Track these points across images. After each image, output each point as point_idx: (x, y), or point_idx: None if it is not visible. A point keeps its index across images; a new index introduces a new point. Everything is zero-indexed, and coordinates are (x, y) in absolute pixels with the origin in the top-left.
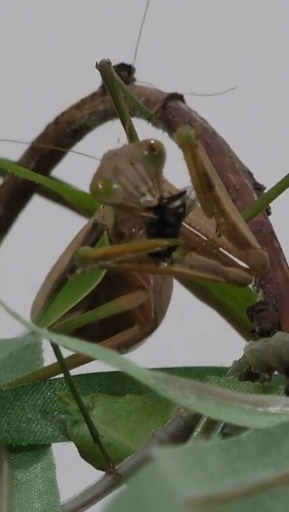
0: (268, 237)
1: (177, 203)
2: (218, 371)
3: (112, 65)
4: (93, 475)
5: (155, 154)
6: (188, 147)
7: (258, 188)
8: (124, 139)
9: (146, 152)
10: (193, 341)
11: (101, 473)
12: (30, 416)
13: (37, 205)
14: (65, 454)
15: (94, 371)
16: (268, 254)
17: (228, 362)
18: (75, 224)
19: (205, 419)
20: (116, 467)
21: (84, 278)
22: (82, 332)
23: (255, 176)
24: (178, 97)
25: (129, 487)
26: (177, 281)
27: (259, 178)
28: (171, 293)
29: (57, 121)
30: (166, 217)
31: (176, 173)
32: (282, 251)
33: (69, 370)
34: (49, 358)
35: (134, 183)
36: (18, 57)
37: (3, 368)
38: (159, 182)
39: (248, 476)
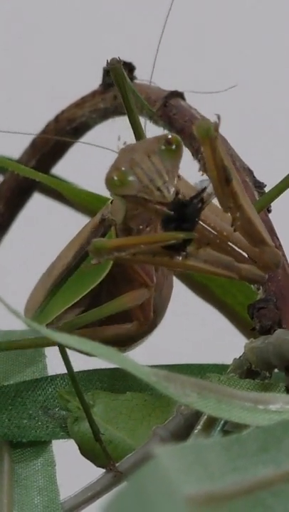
0: None
1: (195, 196)
2: (219, 369)
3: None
4: (94, 472)
5: (172, 149)
6: (207, 140)
7: (259, 185)
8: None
9: (163, 146)
10: (194, 339)
11: (101, 471)
12: (31, 412)
13: (37, 203)
14: (65, 452)
15: (95, 368)
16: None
17: (228, 360)
18: (76, 222)
19: (205, 416)
20: (116, 464)
21: (87, 274)
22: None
23: (255, 174)
24: (178, 95)
25: (129, 485)
26: (178, 280)
27: (259, 176)
28: (171, 292)
29: (57, 119)
30: (184, 211)
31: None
32: (282, 248)
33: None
34: (51, 355)
35: (150, 175)
36: (18, 56)
37: (6, 361)
38: (174, 176)
39: (248, 473)
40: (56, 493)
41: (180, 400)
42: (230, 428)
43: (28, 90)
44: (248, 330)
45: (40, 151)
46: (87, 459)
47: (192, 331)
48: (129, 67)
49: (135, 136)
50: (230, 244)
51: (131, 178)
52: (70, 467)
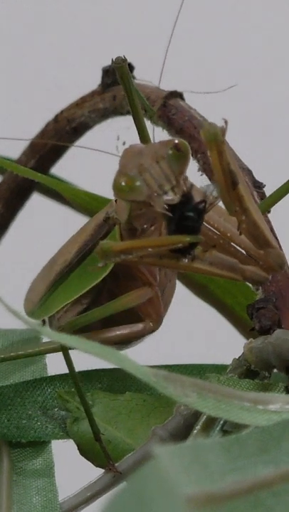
0: None
1: (198, 199)
2: (218, 369)
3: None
4: (93, 473)
5: (180, 154)
6: (214, 144)
7: (258, 185)
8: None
9: (171, 151)
10: (194, 339)
11: (101, 471)
12: (30, 412)
13: (36, 203)
14: (64, 452)
15: (94, 368)
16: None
17: (228, 360)
18: (75, 222)
19: (205, 416)
20: (116, 465)
21: (89, 270)
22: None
23: (254, 174)
24: (178, 95)
25: (129, 485)
26: (177, 280)
27: (258, 176)
28: (173, 294)
29: (56, 119)
30: (187, 214)
31: None
32: (281, 249)
33: None
34: (50, 355)
35: (159, 181)
36: (18, 56)
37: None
38: (182, 181)
39: (248, 473)
40: (55, 493)
41: (179, 400)
42: (230, 428)
43: (27, 90)
44: (247, 330)
45: (38, 152)
46: (87, 459)
47: (191, 331)
48: (129, 67)
49: (139, 135)
50: (235, 246)
51: (139, 183)
52: (69, 467)
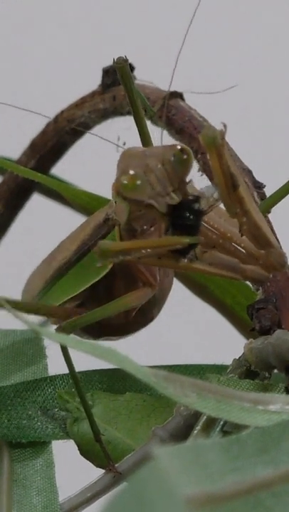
0: None
1: (197, 200)
2: (218, 369)
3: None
4: (93, 473)
5: (184, 159)
6: (213, 147)
7: (258, 186)
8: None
9: (175, 155)
10: (193, 339)
11: (101, 472)
12: (30, 413)
13: (36, 204)
14: (65, 452)
15: (94, 368)
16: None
17: (228, 360)
18: (75, 222)
19: (205, 417)
20: (116, 465)
21: (88, 268)
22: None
23: (254, 174)
24: (178, 95)
25: (129, 485)
26: (177, 280)
27: (259, 176)
28: (171, 287)
29: (56, 119)
30: (186, 215)
31: None
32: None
33: None
34: (51, 353)
35: (162, 183)
36: (17, 56)
37: (4, 360)
38: (184, 185)
39: (248, 474)
40: (55, 493)
41: (179, 401)
42: (230, 428)
43: (27, 90)
44: (247, 330)
45: (39, 152)
46: (87, 459)
47: (191, 331)
48: (129, 67)
49: (140, 135)
50: (236, 246)
51: (142, 184)
52: (70, 468)
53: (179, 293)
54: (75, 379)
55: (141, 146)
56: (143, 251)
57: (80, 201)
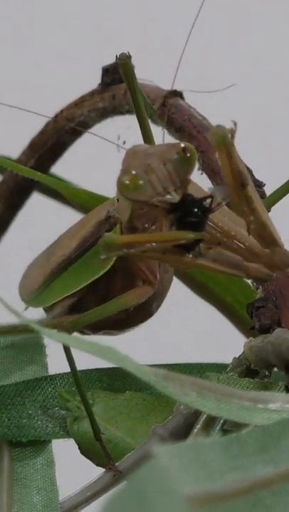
0: None
1: (205, 197)
2: (218, 368)
3: (112, 62)
4: (93, 472)
5: (187, 157)
6: (223, 146)
7: (258, 184)
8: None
9: (178, 154)
10: (193, 338)
11: (101, 470)
12: (30, 412)
13: (36, 203)
14: (65, 451)
15: (94, 367)
16: None
17: (227, 359)
18: (74, 221)
19: (205, 416)
20: (116, 464)
21: (89, 265)
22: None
23: (254, 173)
24: (177, 94)
25: (129, 484)
26: (177, 278)
27: (258, 175)
28: (170, 284)
29: (56, 118)
30: (192, 211)
31: None
32: None
33: None
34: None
35: (164, 182)
36: (18, 56)
37: (4, 359)
38: (187, 186)
39: (248, 472)
40: (55, 492)
41: (179, 399)
42: (230, 427)
43: (26, 90)
44: (247, 329)
45: (38, 151)
46: (87, 458)
47: (191, 330)
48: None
49: (142, 132)
50: (240, 243)
51: (144, 183)
52: (70, 466)
53: (178, 291)
54: (76, 377)
55: (143, 143)
56: (148, 245)
57: (80, 200)
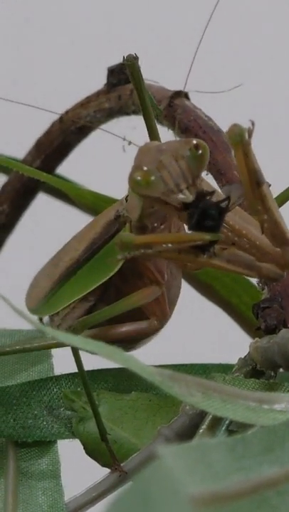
0: None
1: (223, 199)
2: (224, 368)
3: (118, 62)
4: (99, 472)
5: (199, 154)
6: (240, 145)
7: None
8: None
9: (190, 151)
10: (199, 338)
11: (106, 471)
12: (36, 412)
13: (42, 203)
14: (70, 451)
15: (100, 368)
16: None
17: (233, 359)
18: (80, 222)
19: (210, 416)
20: (121, 464)
21: (97, 268)
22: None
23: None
24: (183, 95)
25: (134, 484)
26: (183, 279)
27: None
28: (179, 292)
29: (62, 119)
30: (210, 212)
31: None
32: None
33: None
34: (57, 353)
35: (175, 179)
36: (21, 56)
37: (10, 359)
38: (198, 181)
39: (253, 473)
40: (61, 493)
41: (185, 400)
42: (235, 428)
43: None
44: (252, 329)
45: (44, 152)
46: (92, 458)
47: (197, 330)
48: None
49: (149, 132)
50: (252, 243)
51: (156, 179)
52: (75, 467)
53: (184, 292)
54: (84, 378)
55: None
56: (164, 245)
57: (85, 201)
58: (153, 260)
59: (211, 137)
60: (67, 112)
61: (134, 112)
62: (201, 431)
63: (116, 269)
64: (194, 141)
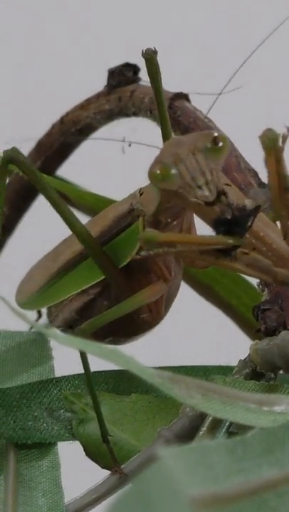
0: None
1: (253, 206)
2: (224, 370)
3: (118, 64)
4: (99, 474)
5: (218, 147)
6: (273, 150)
7: (263, 186)
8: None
9: (209, 144)
10: (199, 340)
11: (106, 473)
12: (36, 414)
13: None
14: (70, 453)
15: (100, 369)
16: None
17: (233, 361)
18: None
19: (210, 418)
20: (121, 466)
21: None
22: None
23: (260, 175)
24: (183, 97)
25: (134, 486)
26: (182, 281)
27: (264, 177)
28: (178, 291)
29: (62, 120)
30: (239, 218)
31: None
32: None
33: None
34: (57, 355)
35: (193, 172)
36: (23, 58)
37: (10, 361)
38: (217, 175)
39: (253, 475)
40: (61, 495)
41: (185, 402)
42: (235, 429)
43: (32, 92)
44: (252, 331)
45: (44, 153)
46: (93, 460)
47: (197, 332)
48: (134, 69)
49: (162, 128)
50: (270, 247)
51: (174, 172)
52: (75, 469)
53: (184, 294)
54: (89, 380)
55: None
56: (187, 246)
57: (85, 202)
58: (163, 256)
59: None
60: (67, 114)
61: (134, 114)
62: (201, 433)
63: (124, 263)
64: (214, 134)
